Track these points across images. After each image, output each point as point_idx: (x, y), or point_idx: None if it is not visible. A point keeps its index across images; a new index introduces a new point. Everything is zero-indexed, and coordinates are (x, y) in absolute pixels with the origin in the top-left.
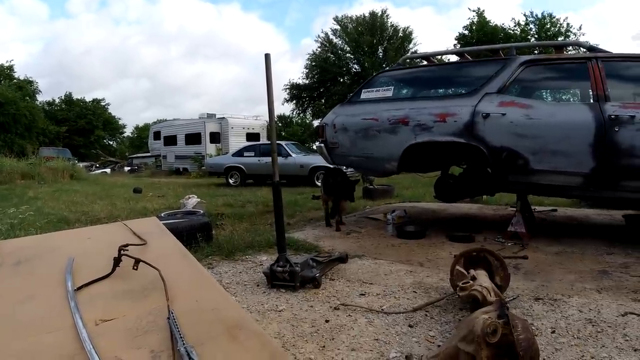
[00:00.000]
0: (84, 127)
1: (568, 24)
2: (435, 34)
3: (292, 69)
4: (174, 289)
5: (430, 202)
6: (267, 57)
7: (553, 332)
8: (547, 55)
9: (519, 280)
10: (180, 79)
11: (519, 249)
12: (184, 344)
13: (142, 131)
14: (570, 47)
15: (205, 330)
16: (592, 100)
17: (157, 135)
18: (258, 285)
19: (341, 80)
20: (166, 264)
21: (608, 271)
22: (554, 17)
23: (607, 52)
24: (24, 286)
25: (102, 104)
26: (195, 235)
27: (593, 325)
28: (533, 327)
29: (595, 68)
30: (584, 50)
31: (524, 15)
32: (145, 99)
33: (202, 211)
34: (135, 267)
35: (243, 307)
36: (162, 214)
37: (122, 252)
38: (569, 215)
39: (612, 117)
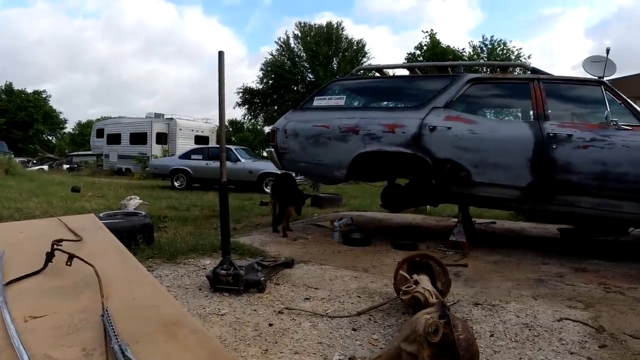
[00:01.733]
0: (23, 120)
1: (519, 51)
2: (388, 51)
3: (249, 75)
4: (109, 286)
5: (376, 212)
6: (220, 54)
7: (492, 335)
8: (492, 75)
9: (459, 286)
10: (133, 76)
11: (459, 257)
12: (118, 341)
13: (84, 128)
14: (515, 68)
15: (141, 327)
16: (532, 119)
17: (100, 133)
18: (200, 289)
19: (295, 88)
20: (102, 260)
21: (544, 280)
22: (507, 45)
23: (548, 74)
24: None
25: (43, 95)
26: (135, 237)
27: (530, 330)
28: (473, 331)
29: (537, 88)
30: (528, 71)
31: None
32: (94, 94)
33: (143, 213)
34: (68, 263)
35: (184, 310)
36: (102, 214)
37: (55, 247)
38: (507, 228)
39: (551, 134)
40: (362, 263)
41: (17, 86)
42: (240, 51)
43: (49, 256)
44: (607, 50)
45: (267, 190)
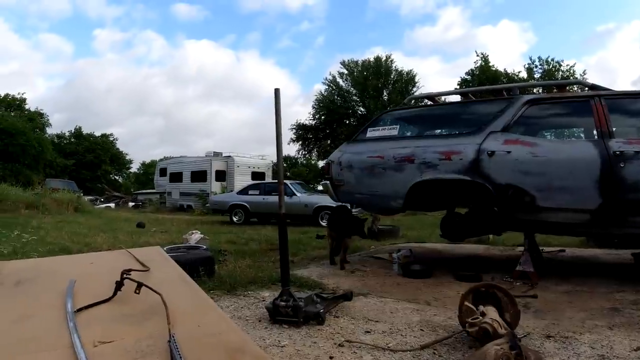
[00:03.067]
0: (91, 161)
1: (573, 70)
2: (440, 80)
3: (303, 112)
4: (175, 313)
5: (436, 243)
6: (276, 91)
7: None
8: (550, 94)
9: (529, 318)
10: (194, 119)
11: (527, 288)
12: None
13: (148, 167)
14: (573, 86)
15: (206, 354)
16: (596, 137)
17: (163, 172)
18: (260, 321)
19: (347, 122)
20: (168, 289)
21: (619, 308)
22: (561, 64)
23: (609, 89)
24: (23, 306)
25: (110, 139)
26: (197, 269)
27: None
28: None
29: (599, 105)
30: (587, 88)
31: (530, 59)
32: (158, 136)
33: (204, 246)
34: (137, 291)
35: None
36: (165, 248)
37: (124, 276)
38: (577, 255)
39: (617, 153)
40: (423, 295)
41: (87, 130)
42: (295, 90)
43: (119, 285)
44: None
45: (323, 223)
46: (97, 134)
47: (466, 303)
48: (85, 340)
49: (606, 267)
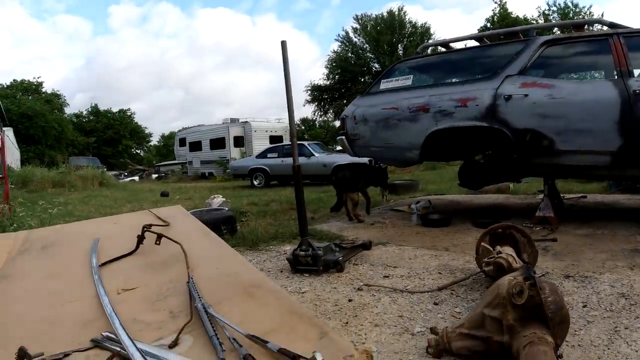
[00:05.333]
0: (111, 137)
1: (591, 13)
2: (460, 32)
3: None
4: (195, 260)
5: (455, 195)
6: (283, 44)
7: (585, 306)
8: (567, 34)
9: (548, 260)
10: (213, 89)
11: (547, 232)
12: (201, 301)
13: (168, 139)
14: (592, 25)
15: (223, 291)
16: (615, 76)
17: (182, 142)
18: (282, 272)
19: (362, 79)
20: (188, 240)
21: None
22: (578, 8)
23: (628, 27)
24: (51, 265)
25: (128, 113)
26: (219, 228)
27: (626, 299)
28: (561, 294)
29: (617, 44)
30: (605, 27)
31: (547, 4)
32: (178, 108)
33: (226, 208)
34: (157, 242)
35: None
36: (189, 212)
37: (145, 230)
38: (599, 201)
39: (637, 91)
40: (442, 243)
41: (109, 107)
42: (314, 52)
43: (140, 239)
44: None
45: None
46: (115, 109)
47: (483, 244)
48: (109, 289)
49: (628, 212)
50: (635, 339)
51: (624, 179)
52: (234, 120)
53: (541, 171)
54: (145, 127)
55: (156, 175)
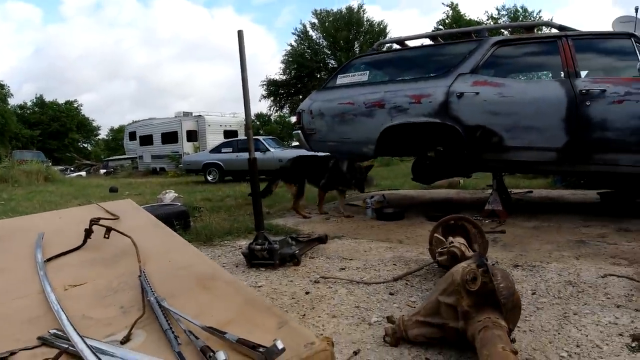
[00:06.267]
0: (57, 130)
1: (540, 17)
2: (416, 31)
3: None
4: (147, 253)
5: (409, 190)
6: (239, 33)
7: (534, 293)
8: (518, 35)
9: (497, 251)
10: (169, 81)
11: (496, 225)
12: (154, 294)
13: (117, 133)
14: (541, 28)
15: (177, 284)
16: (563, 77)
17: (132, 136)
18: (237, 266)
19: (318, 75)
20: (139, 233)
21: (585, 241)
22: (527, 12)
23: (576, 30)
24: None
25: (75, 105)
26: (172, 223)
27: (573, 286)
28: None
29: (566, 45)
30: (555, 29)
31: (497, 9)
32: (132, 101)
33: (179, 203)
34: (106, 236)
35: None
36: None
37: (93, 223)
38: (545, 196)
39: (583, 91)
40: (396, 235)
41: (59, 99)
42: (273, 46)
43: (88, 232)
44: (636, 9)
45: None
46: (61, 101)
47: (436, 235)
48: (56, 285)
49: (573, 205)
50: (584, 324)
51: (569, 174)
52: (187, 114)
53: (491, 166)
54: (93, 120)
55: (104, 170)
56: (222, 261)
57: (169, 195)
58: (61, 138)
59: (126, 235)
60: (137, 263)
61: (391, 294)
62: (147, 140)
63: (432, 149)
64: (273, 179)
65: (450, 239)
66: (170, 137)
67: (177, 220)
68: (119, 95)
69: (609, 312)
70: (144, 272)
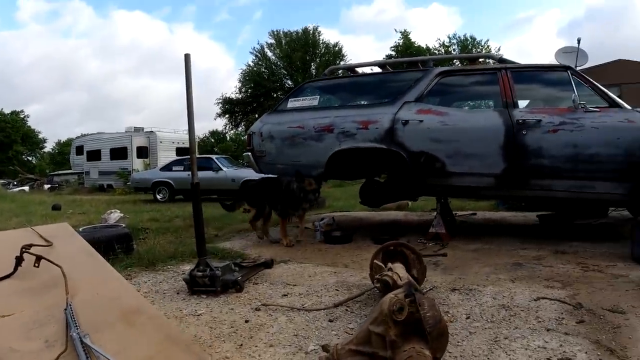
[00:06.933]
0: (1, 142)
1: (488, 47)
2: (371, 57)
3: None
4: (76, 283)
5: (359, 212)
6: (186, 57)
7: (468, 317)
8: (461, 67)
9: (438, 274)
10: (123, 93)
11: (439, 247)
12: (77, 330)
13: (64, 146)
14: (483, 59)
15: (102, 318)
16: (502, 107)
17: (79, 150)
18: (178, 293)
19: (274, 95)
20: (71, 262)
21: (522, 263)
22: (476, 41)
23: (516, 63)
24: None
25: (21, 116)
26: (113, 246)
27: (506, 310)
28: (449, 315)
29: (505, 77)
30: (495, 61)
31: (448, 37)
32: (83, 113)
33: (123, 225)
34: (36, 265)
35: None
36: (81, 229)
37: (24, 251)
38: (488, 218)
39: (520, 121)
40: (342, 259)
41: (6, 108)
42: (231, 64)
43: (18, 260)
44: (578, 41)
45: None
46: (7, 111)
47: (375, 261)
48: None
49: (513, 227)
50: (514, 349)
51: (508, 198)
52: (138, 129)
53: (434, 191)
54: (39, 132)
55: (49, 185)
56: (164, 287)
57: (114, 215)
58: (4, 150)
59: (56, 265)
60: (65, 295)
61: (330, 320)
62: (94, 155)
63: (380, 173)
64: (237, 199)
65: (389, 264)
66: (119, 153)
67: (118, 243)
68: (69, 107)
69: (539, 336)
70: (70, 305)
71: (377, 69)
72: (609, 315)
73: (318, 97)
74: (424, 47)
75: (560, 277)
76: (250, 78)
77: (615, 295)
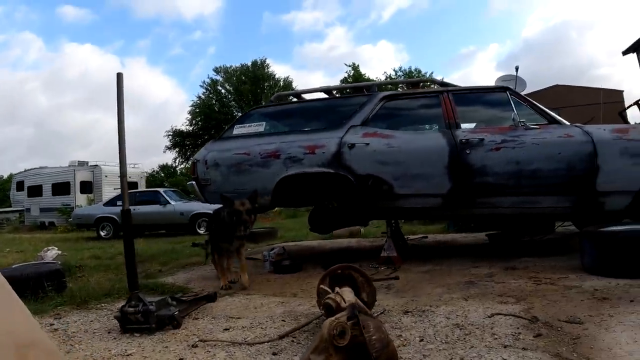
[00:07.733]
0: None
1: (431, 75)
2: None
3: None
4: None
5: (312, 240)
6: (119, 76)
7: (421, 340)
8: (404, 91)
9: (390, 298)
10: (71, 128)
11: (391, 271)
12: None
13: (6, 182)
14: (425, 83)
15: None
16: (445, 128)
17: (20, 186)
18: (109, 332)
19: (225, 126)
20: None
21: (474, 281)
22: (422, 73)
23: (457, 86)
24: None
25: None
26: (42, 284)
27: (461, 329)
28: (402, 338)
29: (447, 99)
30: (437, 85)
31: (394, 70)
32: (28, 148)
33: (59, 262)
34: None
35: (87, 354)
36: (13, 266)
37: None
38: (439, 240)
39: (463, 141)
40: (291, 288)
41: None
42: (183, 99)
43: None
44: (516, 68)
45: (201, 231)
46: None
47: (322, 286)
48: None
49: (464, 248)
50: None
51: (456, 218)
52: (82, 163)
53: (383, 214)
54: None
55: None
56: (94, 327)
57: (51, 253)
58: None
59: None
60: None
61: (274, 354)
62: (35, 191)
63: (328, 198)
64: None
65: (337, 289)
66: (61, 188)
67: (49, 280)
68: (13, 142)
69: (496, 353)
70: None
71: (323, 95)
72: (567, 327)
73: (264, 123)
74: (374, 79)
75: (513, 292)
76: (201, 110)
77: (570, 306)
